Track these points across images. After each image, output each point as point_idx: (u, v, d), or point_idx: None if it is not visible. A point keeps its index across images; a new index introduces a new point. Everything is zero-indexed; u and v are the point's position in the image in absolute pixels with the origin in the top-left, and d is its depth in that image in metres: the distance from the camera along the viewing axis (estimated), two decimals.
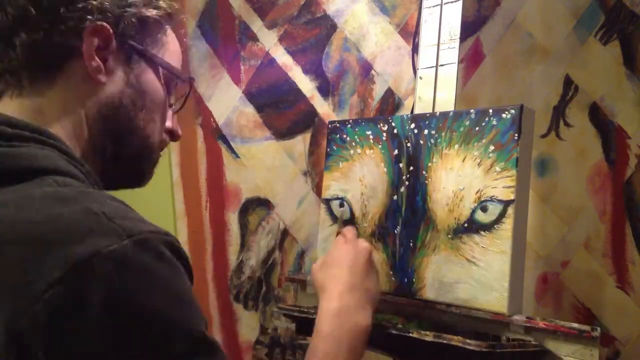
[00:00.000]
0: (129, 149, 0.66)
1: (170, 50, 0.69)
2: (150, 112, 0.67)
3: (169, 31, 0.70)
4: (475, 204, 0.82)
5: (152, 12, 0.65)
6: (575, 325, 0.74)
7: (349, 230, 0.85)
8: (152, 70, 0.67)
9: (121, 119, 0.64)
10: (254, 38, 1.33)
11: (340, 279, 0.77)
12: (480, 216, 0.81)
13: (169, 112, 0.71)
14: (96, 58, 0.61)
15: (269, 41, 1.32)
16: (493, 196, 0.80)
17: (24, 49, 0.59)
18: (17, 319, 0.44)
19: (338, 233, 0.87)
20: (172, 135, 0.73)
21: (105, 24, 0.60)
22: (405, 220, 0.90)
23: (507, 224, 0.78)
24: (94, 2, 0.59)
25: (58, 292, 0.44)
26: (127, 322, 0.46)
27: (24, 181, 0.52)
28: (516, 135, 0.79)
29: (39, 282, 0.44)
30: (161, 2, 0.67)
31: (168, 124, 0.71)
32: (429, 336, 0.77)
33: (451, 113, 0.87)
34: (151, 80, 0.66)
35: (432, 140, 0.88)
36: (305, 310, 0.91)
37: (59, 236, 0.47)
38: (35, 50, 0.59)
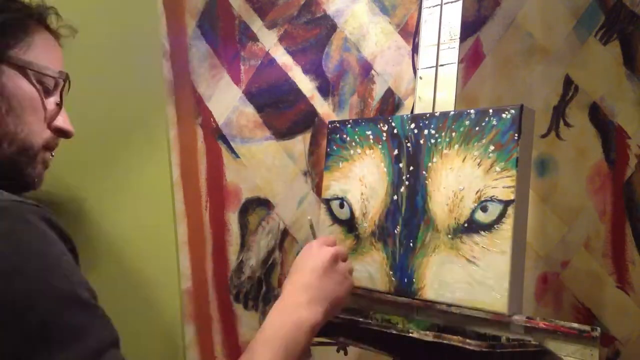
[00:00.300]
0: (3, 154, 0.67)
1: (38, 46, 0.69)
2: (20, 114, 0.67)
3: (38, 30, 0.70)
4: (475, 204, 0.82)
5: (7, 16, 0.66)
6: (575, 325, 0.74)
7: (318, 239, 0.86)
8: (15, 72, 0.67)
9: None
10: (254, 38, 1.33)
11: (296, 281, 0.78)
12: (480, 216, 0.81)
13: (53, 111, 0.72)
14: None
15: (269, 41, 1.32)
16: (493, 196, 0.80)
17: None
18: None
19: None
20: (62, 133, 0.73)
21: None
22: (405, 220, 0.90)
23: (507, 224, 0.78)
24: None
25: None
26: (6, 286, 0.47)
27: None
28: (516, 135, 0.79)
29: None
30: (15, 4, 0.68)
31: (56, 122, 0.72)
32: (429, 336, 0.77)
33: (451, 113, 0.87)
34: (16, 83, 0.67)
35: (432, 140, 0.88)
36: None
37: None
38: None
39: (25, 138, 0.68)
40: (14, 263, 0.49)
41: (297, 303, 0.75)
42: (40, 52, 0.70)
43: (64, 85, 0.73)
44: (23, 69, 0.68)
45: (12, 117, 0.66)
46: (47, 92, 0.70)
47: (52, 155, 0.73)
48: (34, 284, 0.49)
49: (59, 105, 0.72)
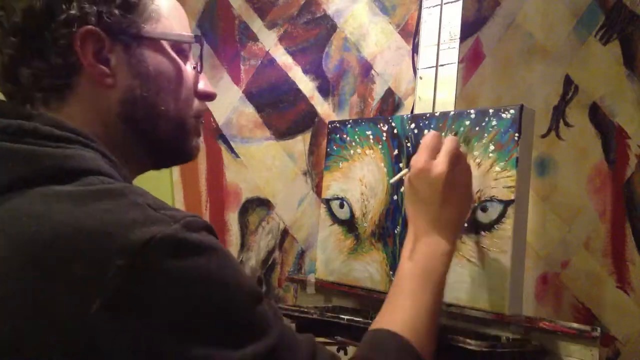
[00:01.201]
0: (162, 135, 0.65)
1: (165, 16, 0.65)
2: (170, 90, 0.65)
3: None
4: (475, 204, 0.81)
5: None
6: (575, 325, 0.74)
7: (422, 151, 0.77)
8: (155, 49, 0.64)
9: (141, 112, 0.63)
10: (254, 38, 1.33)
11: (420, 214, 0.76)
12: (481, 216, 0.81)
13: (195, 77, 0.68)
14: (97, 64, 0.60)
15: (269, 41, 1.32)
16: (493, 196, 0.80)
17: (29, 81, 0.60)
18: (85, 308, 0.46)
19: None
20: (207, 96, 0.70)
21: (90, 27, 0.59)
22: (405, 220, 0.90)
23: (507, 224, 0.78)
24: (72, 12, 0.58)
25: (123, 278, 0.47)
26: (193, 294, 0.50)
27: (73, 180, 0.54)
28: (516, 135, 0.79)
29: (103, 271, 0.47)
30: None
31: (199, 87, 0.69)
32: None
33: (451, 113, 0.87)
34: (158, 60, 0.64)
35: None
36: (305, 310, 0.91)
37: (114, 228, 0.49)
38: (39, 80, 0.60)
39: (178, 113, 0.65)
40: (214, 271, 0.52)
41: (433, 236, 0.74)
42: (169, 17, 0.65)
43: (202, 48, 0.68)
44: (159, 43, 0.64)
45: (164, 95, 0.64)
46: (185, 59, 0.67)
47: (203, 122, 0.71)
48: (234, 288, 0.53)
49: (195, 68, 0.68)
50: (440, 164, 0.75)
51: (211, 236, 0.54)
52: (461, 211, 0.77)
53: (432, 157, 0.76)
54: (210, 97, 0.71)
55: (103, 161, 0.58)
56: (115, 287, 0.47)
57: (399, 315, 0.69)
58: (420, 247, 0.74)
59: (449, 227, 0.75)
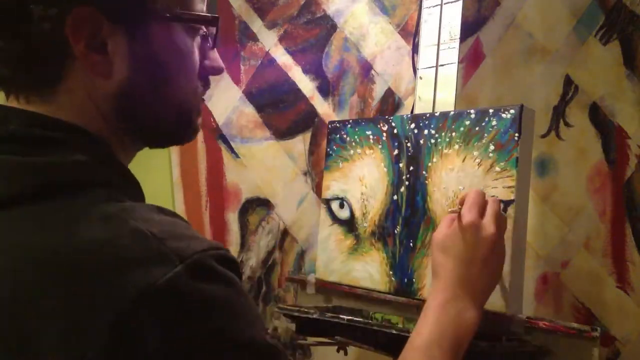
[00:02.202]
0: (165, 128, 0.57)
1: None
2: (176, 78, 0.56)
3: None
4: None
5: None
6: (575, 325, 0.74)
7: (468, 214, 0.73)
8: (165, 31, 0.54)
9: (143, 107, 0.55)
10: (254, 38, 1.33)
11: (453, 274, 0.70)
12: None
13: (202, 55, 0.59)
14: (91, 52, 0.50)
15: (269, 41, 1.32)
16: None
17: (18, 70, 0.51)
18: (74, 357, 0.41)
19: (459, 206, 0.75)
20: (215, 70, 0.60)
21: (86, 7, 0.49)
22: (405, 220, 0.90)
23: (508, 224, 0.78)
24: None
25: (117, 327, 0.41)
26: (188, 350, 0.43)
27: (60, 195, 0.46)
28: (516, 135, 0.79)
29: (95, 319, 0.41)
30: None
31: (207, 62, 0.59)
32: None
33: (451, 113, 0.87)
34: (168, 45, 0.54)
35: (432, 140, 0.88)
36: (305, 310, 0.91)
37: (108, 266, 0.43)
38: (29, 68, 0.51)
39: (183, 100, 0.57)
40: (214, 324, 0.45)
41: (459, 301, 0.68)
42: None
43: (217, 28, 0.58)
44: (171, 24, 0.54)
45: (170, 87, 0.55)
46: (195, 35, 0.58)
47: (203, 100, 0.62)
48: (234, 341, 0.46)
49: (206, 44, 0.59)
50: (490, 225, 0.71)
51: (225, 279, 0.46)
52: (495, 279, 0.73)
53: (481, 214, 0.72)
54: (218, 71, 0.61)
55: (100, 166, 0.51)
56: (104, 344, 0.41)
57: None
58: (450, 311, 0.67)
59: (483, 295, 0.71)
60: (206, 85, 0.61)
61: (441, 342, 0.65)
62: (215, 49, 0.60)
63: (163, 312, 0.42)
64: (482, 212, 0.73)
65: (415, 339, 0.67)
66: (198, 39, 0.57)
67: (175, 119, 0.57)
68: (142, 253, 0.43)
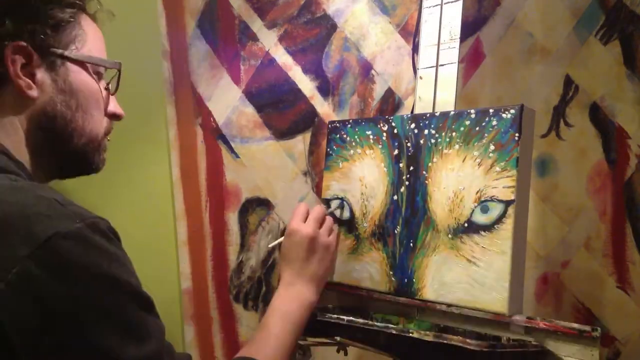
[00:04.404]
0: (74, 148, 0.71)
1: (90, 38, 0.72)
2: (87, 108, 0.71)
3: (84, 19, 0.72)
4: (476, 204, 0.81)
5: (63, 14, 0.69)
6: (575, 325, 0.74)
7: (293, 220, 0.93)
8: (78, 68, 0.70)
9: (59, 125, 0.69)
10: (254, 38, 1.33)
11: (289, 268, 0.90)
12: (481, 216, 0.81)
13: (107, 98, 0.75)
14: (22, 77, 0.66)
15: (269, 41, 1.32)
16: (493, 196, 0.80)
17: None
18: None
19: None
20: (115, 117, 0.77)
21: (22, 42, 0.65)
22: (405, 220, 0.90)
23: (508, 224, 0.78)
24: (6, 26, 0.64)
25: (26, 267, 0.52)
26: (90, 289, 0.55)
27: None
28: (516, 135, 0.79)
29: (5, 260, 0.52)
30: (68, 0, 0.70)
31: (110, 108, 0.75)
32: (429, 336, 0.77)
33: (451, 113, 0.87)
34: (80, 79, 0.70)
35: (432, 140, 0.88)
36: None
37: (19, 220, 0.54)
38: None
39: (92, 129, 0.72)
40: (110, 271, 0.57)
41: (296, 285, 0.88)
42: (93, 43, 0.73)
43: (119, 74, 0.76)
44: (83, 64, 0.71)
45: (81, 112, 0.70)
46: (100, 80, 0.74)
47: (108, 140, 0.78)
48: (127, 288, 0.58)
49: (107, 90, 0.75)
50: (306, 227, 0.91)
51: (114, 241, 0.59)
52: (322, 267, 0.91)
53: (302, 221, 0.92)
54: (118, 117, 0.78)
55: (11, 162, 0.64)
56: (17, 273, 0.51)
57: (262, 347, 0.80)
58: (285, 294, 0.87)
59: (313, 280, 0.89)
60: (109, 125, 0.76)
61: (277, 316, 0.84)
62: (114, 95, 0.77)
63: (67, 254, 0.53)
64: (304, 219, 0.93)
65: (268, 311, 0.85)
66: (103, 83, 0.74)
67: (84, 142, 0.71)
68: (47, 211, 0.55)
